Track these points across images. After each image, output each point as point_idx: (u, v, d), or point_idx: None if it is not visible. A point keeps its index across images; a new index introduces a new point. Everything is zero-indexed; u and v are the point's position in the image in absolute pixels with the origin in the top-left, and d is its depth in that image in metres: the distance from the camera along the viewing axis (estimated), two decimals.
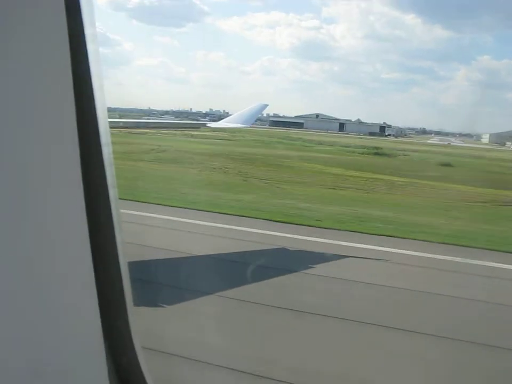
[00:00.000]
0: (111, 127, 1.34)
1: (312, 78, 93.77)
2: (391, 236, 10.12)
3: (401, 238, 10.04)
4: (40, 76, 1.14)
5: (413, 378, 5.02)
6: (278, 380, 4.75)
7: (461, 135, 75.57)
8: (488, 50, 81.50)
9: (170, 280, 7.20)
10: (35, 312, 1.16)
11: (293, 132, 57.54)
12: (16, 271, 1.12)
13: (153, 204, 11.91)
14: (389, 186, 19.25)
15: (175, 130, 32.96)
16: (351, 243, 9.47)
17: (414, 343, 5.70)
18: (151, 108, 47.73)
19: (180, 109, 59.14)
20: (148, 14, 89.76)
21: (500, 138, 62.59)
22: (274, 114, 69.90)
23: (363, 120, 72.65)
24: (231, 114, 18.57)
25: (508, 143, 58.74)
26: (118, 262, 1.35)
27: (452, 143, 58.34)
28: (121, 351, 1.41)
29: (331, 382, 4.98)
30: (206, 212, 11.52)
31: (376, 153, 33.65)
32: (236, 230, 10.21)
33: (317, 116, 74.81)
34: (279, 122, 68.58)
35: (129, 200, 10.85)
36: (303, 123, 70.65)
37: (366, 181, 20.17)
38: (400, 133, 70.30)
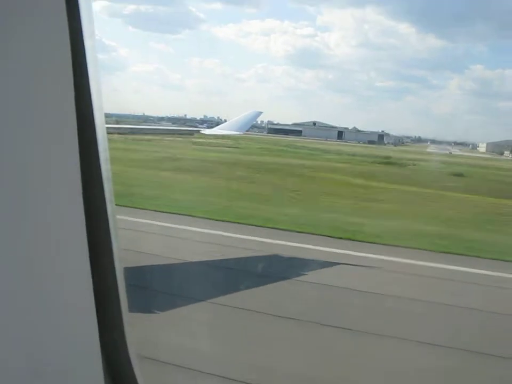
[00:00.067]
0: (108, 133, 1.32)
1: (307, 85, 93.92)
2: (477, 257, 9.75)
3: (483, 258, 9.69)
4: (40, 76, 1.13)
5: None
6: None
7: (456, 143, 76.13)
8: (481, 60, 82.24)
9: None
10: (35, 312, 1.17)
11: (292, 139, 57.26)
12: (15, 272, 1.12)
13: (209, 219, 11.45)
14: (420, 198, 18.94)
15: (171, 137, 32.45)
16: (444, 265, 9.12)
17: None
18: (146, 114, 47.06)
19: (175, 115, 58.40)
20: (143, 20, 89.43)
21: (497, 148, 62.97)
22: (269, 121, 69.59)
23: (359, 128, 72.60)
24: (226, 121, 18.37)
25: (506, 152, 59.14)
26: (113, 266, 1.35)
27: (451, 152, 58.56)
28: (116, 356, 1.42)
29: None
30: (265, 228, 11.10)
31: (387, 163, 33.43)
32: (317, 250, 9.75)
33: (314, 123, 74.58)
34: (277, 130, 68.17)
35: (187, 215, 10.42)
36: (301, 131, 70.25)
37: (396, 192, 19.86)
38: (398, 141, 70.36)
